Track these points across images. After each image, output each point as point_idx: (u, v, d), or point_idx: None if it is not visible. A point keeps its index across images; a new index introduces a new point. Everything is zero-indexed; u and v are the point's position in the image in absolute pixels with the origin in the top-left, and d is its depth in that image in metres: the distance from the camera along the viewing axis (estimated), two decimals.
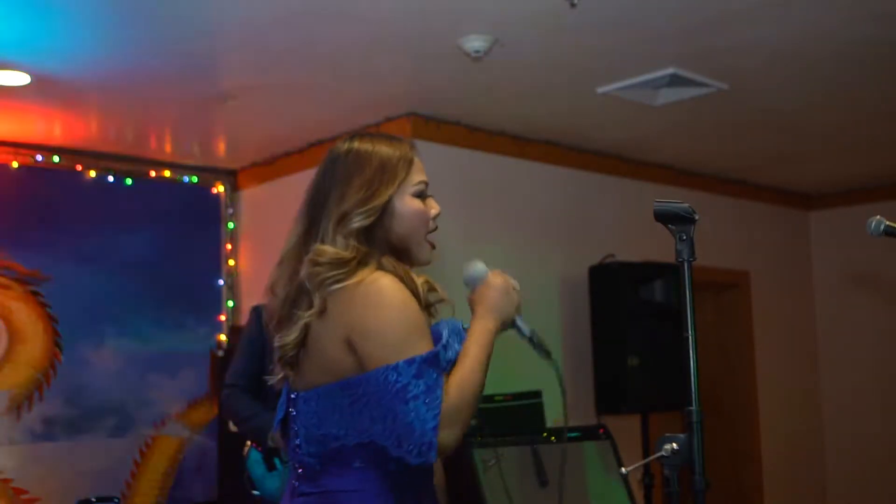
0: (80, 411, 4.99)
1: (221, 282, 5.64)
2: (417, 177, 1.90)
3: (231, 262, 5.69)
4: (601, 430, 4.40)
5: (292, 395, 1.87)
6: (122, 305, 5.19)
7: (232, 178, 5.75)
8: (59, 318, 4.98)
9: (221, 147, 5.32)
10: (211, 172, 5.66)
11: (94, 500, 3.69)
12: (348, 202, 1.81)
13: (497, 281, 1.90)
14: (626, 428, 5.11)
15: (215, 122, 4.81)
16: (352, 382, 1.74)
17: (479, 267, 1.95)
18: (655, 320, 5.02)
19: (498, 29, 3.57)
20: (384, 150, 1.88)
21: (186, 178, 5.56)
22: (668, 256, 1.86)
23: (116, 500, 3.78)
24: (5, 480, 4.72)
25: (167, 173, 5.46)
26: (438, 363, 1.72)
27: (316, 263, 1.76)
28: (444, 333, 1.79)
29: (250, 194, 5.70)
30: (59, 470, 4.89)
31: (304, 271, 1.78)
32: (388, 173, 1.85)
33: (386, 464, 1.76)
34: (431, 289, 1.87)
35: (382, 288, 1.74)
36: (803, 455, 6.77)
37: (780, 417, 6.52)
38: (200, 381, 5.43)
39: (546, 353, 1.92)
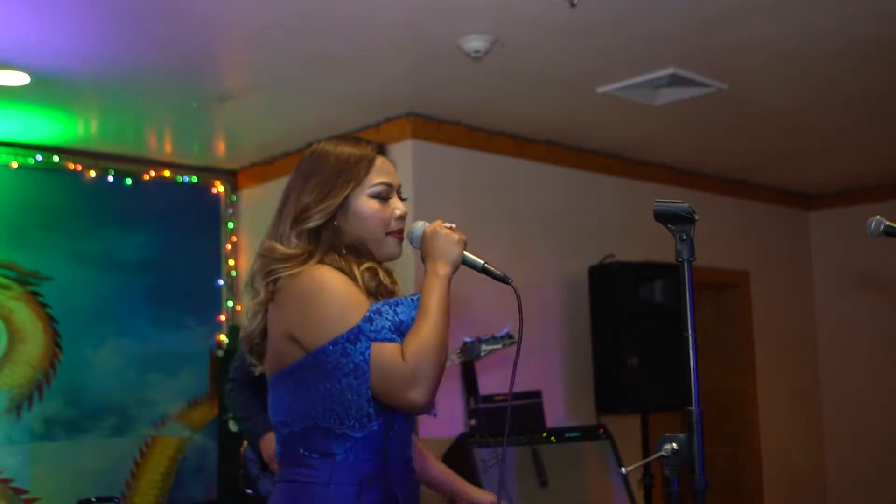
0: (80, 411, 5.00)
1: (221, 282, 5.64)
2: (378, 178, 1.92)
3: (231, 262, 5.69)
4: (601, 430, 4.41)
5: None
6: (122, 305, 5.19)
7: (232, 178, 5.75)
8: (59, 318, 4.98)
9: (221, 147, 5.32)
10: (211, 172, 5.66)
11: (94, 500, 3.70)
12: (304, 200, 1.88)
13: (430, 230, 1.91)
14: (626, 428, 5.11)
15: (215, 122, 4.81)
16: (291, 370, 1.80)
17: (417, 226, 1.96)
18: (655, 320, 5.02)
19: (498, 29, 3.57)
20: (344, 150, 1.93)
21: (186, 178, 5.56)
22: (668, 256, 1.86)
23: (116, 500, 3.79)
24: (5, 480, 4.72)
25: (167, 173, 5.46)
26: (363, 337, 1.74)
27: (263, 257, 1.86)
28: (377, 305, 1.80)
29: (250, 194, 5.70)
30: (59, 470, 4.89)
31: (255, 265, 1.88)
32: (345, 174, 1.89)
33: (332, 453, 1.78)
34: (375, 275, 1.88)
35: (314, 278, 1.79)
36: (803, 455, 6.76)
37: (780, 417, 6.52)
38: (200, 381, 5.43)
39: (502, 279, 1.90)
